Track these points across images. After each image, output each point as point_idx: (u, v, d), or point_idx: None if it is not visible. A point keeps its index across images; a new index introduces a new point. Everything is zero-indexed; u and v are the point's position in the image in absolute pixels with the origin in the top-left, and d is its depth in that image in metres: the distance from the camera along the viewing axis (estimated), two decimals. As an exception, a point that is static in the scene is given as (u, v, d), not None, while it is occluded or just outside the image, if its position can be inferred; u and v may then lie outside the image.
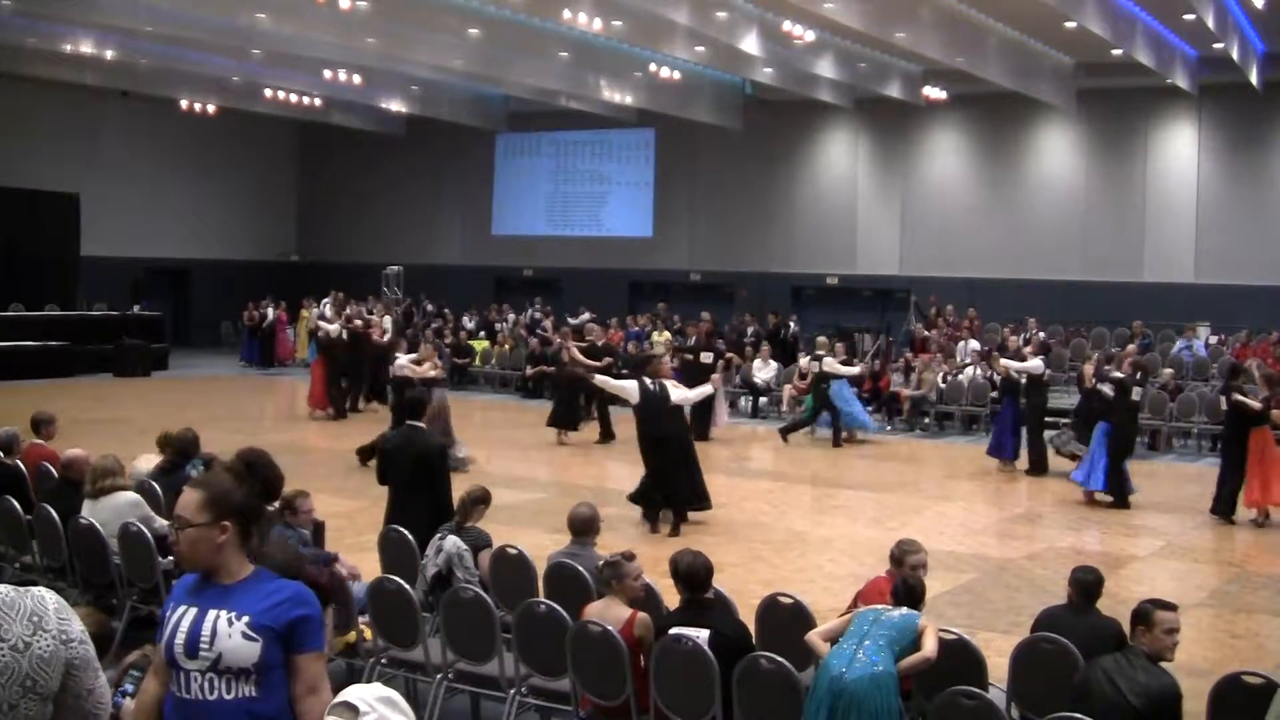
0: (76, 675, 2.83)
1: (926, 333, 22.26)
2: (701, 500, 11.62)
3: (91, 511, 7.72)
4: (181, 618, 3.31)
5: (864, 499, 13.52)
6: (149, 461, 9.01)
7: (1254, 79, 20.95)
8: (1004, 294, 24.03)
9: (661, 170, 28.94)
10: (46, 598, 2.82)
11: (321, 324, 20.14)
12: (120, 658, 4.15)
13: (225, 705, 3.26)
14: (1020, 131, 24.93)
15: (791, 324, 24.42)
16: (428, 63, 22.95)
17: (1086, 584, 5.90)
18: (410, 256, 30.44)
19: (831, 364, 17.45)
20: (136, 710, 3.51)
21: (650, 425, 11.45)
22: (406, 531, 7.55)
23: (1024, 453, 15.44)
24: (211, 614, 3.28)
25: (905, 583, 5.62)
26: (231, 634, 3.24)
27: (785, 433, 17.78)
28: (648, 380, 11.51)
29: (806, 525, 12.09)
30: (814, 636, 5.44)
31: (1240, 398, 12.66)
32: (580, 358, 17.81)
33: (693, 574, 5.58)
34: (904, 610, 5.38)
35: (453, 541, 7.01)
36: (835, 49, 21.24)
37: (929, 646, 5.22)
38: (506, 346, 24.48)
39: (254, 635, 3.25)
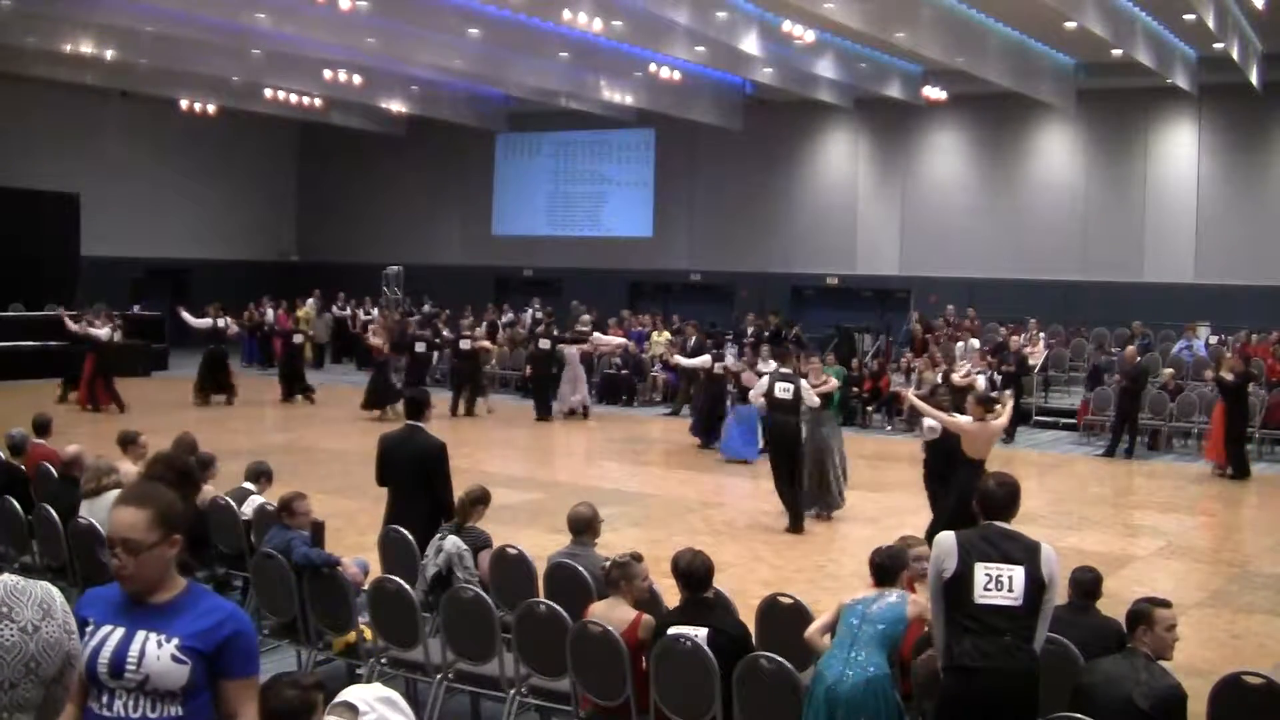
0: (73, 668, 2.91)
1: (929, 335, 22.23)
2: None
3: (89, 511, 7.71)
4: (108, 636, 3.18)
5: (864, 499, 13.48)
6: (127, 466, 8.90)
7: (1254, 79, 20.94)
8: (1004, 294, 24.01)
9: (661, 170, 28.92)
10: (53, 590, 2.90)
11: (91, 330, 19.75)
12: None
13: None
14: (1020, 131, 24.91)
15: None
16: (428, 63, 22.95)
17: (1086, 584, 5.91)
18: (410, 256, 30.45)
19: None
20: None
21: None
22: (406, 531, 7.54)
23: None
24: (140, 634, 3.16)
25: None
26: (160, 656, 3.13)
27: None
28: None
29: (806, 525, 12.07)
30: (813, 633, 5.45)
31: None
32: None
33: (690, 572, 5.58)
34: (890, 600, 5.36)
35: (453, 541, 7.00)
36: (835, 49, 21.24)
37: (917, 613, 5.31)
38: (506, 347, 24.45)
39: (183, 658, 3.13)
